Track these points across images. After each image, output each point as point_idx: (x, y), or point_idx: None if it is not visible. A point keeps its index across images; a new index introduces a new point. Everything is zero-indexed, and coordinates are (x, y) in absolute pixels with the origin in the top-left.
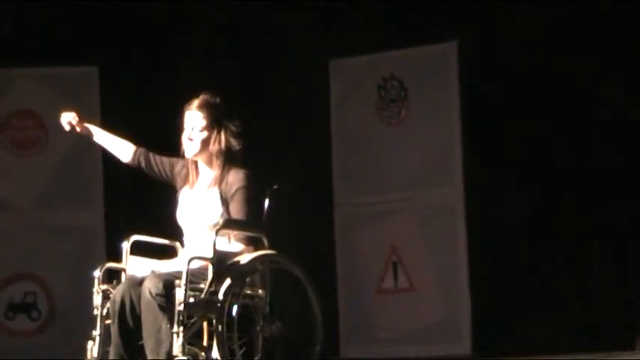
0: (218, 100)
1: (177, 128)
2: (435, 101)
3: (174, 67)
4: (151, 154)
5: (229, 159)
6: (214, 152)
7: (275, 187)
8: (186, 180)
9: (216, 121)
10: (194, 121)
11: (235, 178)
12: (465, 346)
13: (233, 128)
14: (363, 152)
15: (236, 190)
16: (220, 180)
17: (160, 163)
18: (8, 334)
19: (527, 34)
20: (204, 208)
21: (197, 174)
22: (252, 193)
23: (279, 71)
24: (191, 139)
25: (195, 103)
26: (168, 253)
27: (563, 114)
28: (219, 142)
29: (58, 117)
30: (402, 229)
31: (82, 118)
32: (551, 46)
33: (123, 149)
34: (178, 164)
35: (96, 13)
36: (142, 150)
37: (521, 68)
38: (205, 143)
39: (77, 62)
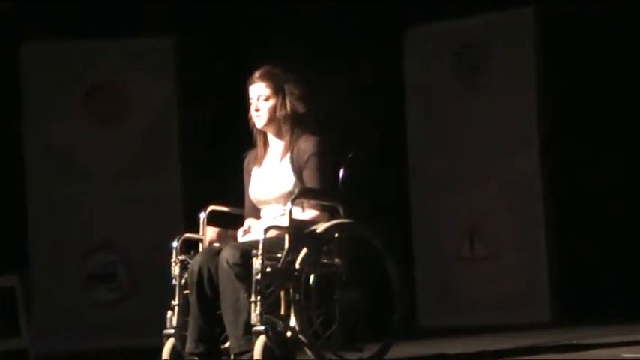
0: (277, 68)
1: (247, 103)
2: (513, 67)
3: (251, 39)
4: (247, 204)
5: (297, 123)
6: (281, 118)
7: (350, 154)
8: (254, 162)
9: (278, 87)
10: (258, 91)
11: (307, 145)
12: (544, 314)
13: (296, 92)
14: (440, 119)
15: (308, 158)
16: (291, 147)
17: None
18: (89, 304)
19: None
20: (277, 180)
21: (266, 149)
22: (325, 160)
23: (356, 39)
24: (257, 109)
25: (256, 74)
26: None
27: None
28: (285, 107)
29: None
30: (480, 196)
31: None
32: (632, 8)
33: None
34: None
35: None
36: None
37: (600, 31)
38: (272, 111)
39: (156, 34)
